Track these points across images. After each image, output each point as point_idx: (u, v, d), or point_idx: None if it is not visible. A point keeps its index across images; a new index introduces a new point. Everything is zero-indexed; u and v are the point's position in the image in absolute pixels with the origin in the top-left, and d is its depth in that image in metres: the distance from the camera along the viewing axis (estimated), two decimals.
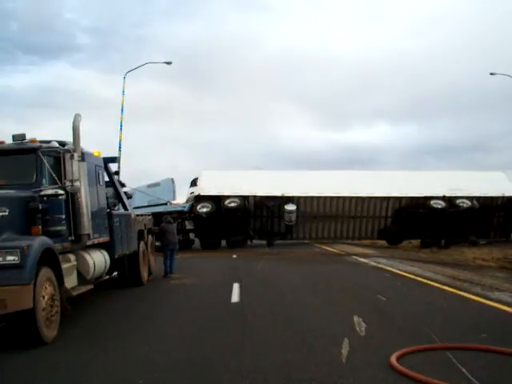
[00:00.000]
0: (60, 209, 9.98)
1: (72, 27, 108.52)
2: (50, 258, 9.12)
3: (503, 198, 32.23)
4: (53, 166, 10.31)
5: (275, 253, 28.31)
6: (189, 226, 33.48)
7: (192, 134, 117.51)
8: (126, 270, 15.24)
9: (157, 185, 34.62)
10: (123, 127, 34.42)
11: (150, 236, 18.13)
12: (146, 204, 32.12)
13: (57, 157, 10.45)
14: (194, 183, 34.80)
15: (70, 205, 10.59)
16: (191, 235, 33.78)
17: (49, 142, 10.72)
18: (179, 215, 31.80)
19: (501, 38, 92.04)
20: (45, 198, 9.72)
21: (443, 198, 31.30)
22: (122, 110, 35.02)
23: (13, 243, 8.43)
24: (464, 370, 6.54)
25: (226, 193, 31.42)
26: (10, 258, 8.19)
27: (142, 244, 16.41)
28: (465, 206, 30.83)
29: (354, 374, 6.61)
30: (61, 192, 9.94)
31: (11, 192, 9.49)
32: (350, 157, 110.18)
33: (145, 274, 16.40)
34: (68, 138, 10.96)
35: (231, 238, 32.54)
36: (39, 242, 8.83)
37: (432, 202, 31.11)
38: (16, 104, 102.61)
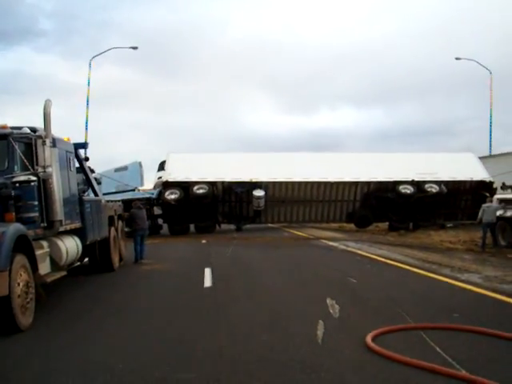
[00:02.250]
0: (33, 195, 9.89)
1: (34, 12, 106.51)
2: (23, 245, 9.07)
3: (471, 182, 32.48)
4: (24, 152, 10.21)
5: (244, 237, 28.40)
6: (157, 211, 33.24)
7: (157, 119, 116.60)
8: (97, 255, 15.23)
9: (124, 168, 34.17)
10: (85, 111, 34.25)
11: (120, 222, 18.11)
12: (113, 190, 31.82)
13: (28, 143, 10.35)
14: (161, 167, 34.34)
15: (42, 191, 10.49)
16: (159, 220, 33.61)
17: (20, 128, 10.59)
18: (147, 201, 31.58)
19: (467, 22, 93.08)
20: (17, 185, 9.65)
21: (412, 183, 31.53)
22: (89, 84, 34.91)
23: None
24: (438, 348, 6.75)
25: (193, 178, 31.17)
26: None
27: (112, 230, 16.40)
28: (433, 190, 31.11)
29: (331, 354, 6.77)
30: (33, 178, 9.87)
31: None
32: (316, 141, 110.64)
33: (116, 260, 16.42)
34: (32, 123, 10.95)
35: (200, 223, 32.51)
36: (13, 228, 8.76)
37: (401, 187, 31.34)
38: None
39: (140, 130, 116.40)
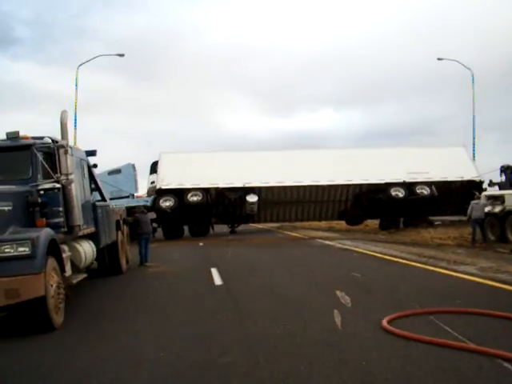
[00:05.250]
0: (57, 202, 10.47)
1: (10, 19, 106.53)
2: (53, 249, 9.63)
3: (462, 181, 32.73)
4: (46, 160, 10.77)
5: (240, 239, 29.04)
6: (151, 215, 33.47)
7: (138, 124, 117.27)
8: (106, 259, 15.77)
9: (118, 171, 33.52)
10: (72, 119, 35.03)
11: (125, 226, 18.67)
12: (108, 196, 32.00)
13: (49, 152, 10.89)
14: (153, 169, 34.53)
15: (63, 197, 11.03)
16: (153, 224, 33.82)
17: (41, 138, 11.16)
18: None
19: (446, 23, 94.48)
20: (41, 192, 10.22)
21: (403, 185, 32.05)
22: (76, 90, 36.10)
23: (23, 235, 8.91)
24: (448, 328, 7.46)
25: (187, 185, 31.42)
26: (21, 249, 8.65)
27: (119, 234, 16.96)
28: (424, 192, 31.68)
29: (353, 336, 7.45)
30: (57, 186, 10.44)
31: (13, 187, 9.92)
32: (296, 143, 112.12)
33: (123, 263, 16.97)
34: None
35: (194, 227, 33.04)
36: (45, 233, 9.32)
37: (392, 190, 31.82)
38: None
39: (121, 136, 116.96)
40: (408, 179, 32.09)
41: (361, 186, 33.00)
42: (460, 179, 32.68)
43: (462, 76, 43.40)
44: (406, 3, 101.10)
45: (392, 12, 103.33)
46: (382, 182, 32.25)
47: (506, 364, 5.85)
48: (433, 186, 31.78)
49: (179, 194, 31.35)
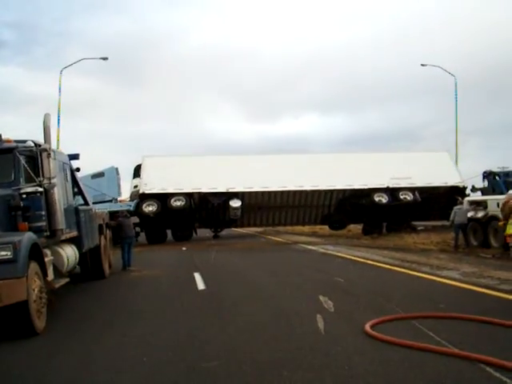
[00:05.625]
0: (40, 205, 10.38)
1: None
2: (35, 253, 9.55)
3: (445, 187, 32.70)
4: (29, 164, 10.68)
5: (223, 244, 29.02)
6: (134, 219, 33.26)
7: (121, 128, 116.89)
8: (88, 263, 15.65)
9: (101, 175, 33.55)
10: (57, 122, 34.93)
11: (107, 230, 18.58)
12: (91, 200, 31.74)
13: (31, 155, 10.79)
14: (137, 173, 34.21)
15: (45, 201, 10.95)
16: (136, 228, 33.62)
17: (24, 141, 11.06)
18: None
19: (428, 28, 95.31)
20: (24, 196, 10.13)
21: (386, 190, 32.04)
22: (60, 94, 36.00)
23: (4, 239, 8.80)
24: (432, 333, 7.50)
25: (170, 190, 31.23)
26: (2, 253, 8.55)
27: (102, 238, 16.86)
28: (408, 198, 31.70)
29: (336, 341, 7.46)
30: (40, 189, 10.36)
31: None
32: (281, 148, 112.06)
33: (106, 267, 16.89)
34: None
35: (177, 232, 32.96)
36: (28, 237, 9.24)
37: (375, 196, 31.76)
38: None
39: (105, 139, 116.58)
40: (391, 185, 32.07)
41: (344, 191, 32.96)
42: (443, 185, 32.65)
43: (444, 82, 43.81)
44: (391, 9, 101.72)
45: (376, 18, 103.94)
46: (366, 187, 32.18)
47: (488, 368, 5.89)
48: (416, 192, 31.79)
49: (162, 198, 31.15)
